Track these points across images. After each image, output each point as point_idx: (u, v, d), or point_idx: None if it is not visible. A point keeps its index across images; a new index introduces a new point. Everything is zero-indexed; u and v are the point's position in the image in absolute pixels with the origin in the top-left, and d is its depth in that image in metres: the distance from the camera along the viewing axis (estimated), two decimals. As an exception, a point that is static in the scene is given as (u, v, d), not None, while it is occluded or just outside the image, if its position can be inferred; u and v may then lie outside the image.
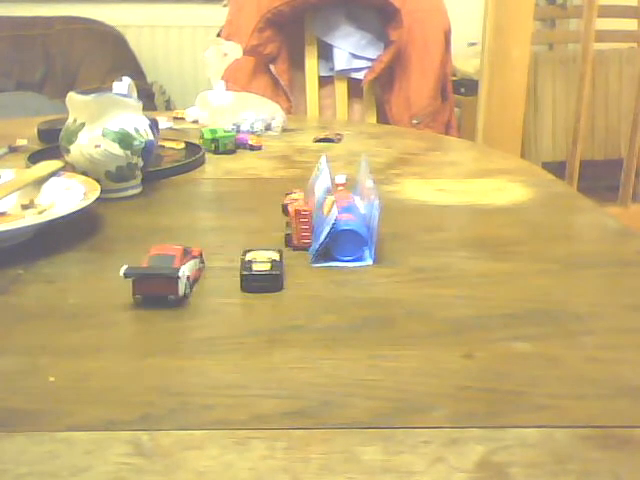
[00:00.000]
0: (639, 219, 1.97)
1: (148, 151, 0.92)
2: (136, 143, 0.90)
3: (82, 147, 0.89)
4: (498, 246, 0.78)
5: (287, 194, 0.85)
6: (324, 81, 1.83)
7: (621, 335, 0.59)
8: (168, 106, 3.01)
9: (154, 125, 0.94)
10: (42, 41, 3.02)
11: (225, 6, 2.09)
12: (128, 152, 0.89)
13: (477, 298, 0.65)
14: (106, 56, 3.01)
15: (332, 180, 0.82)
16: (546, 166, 1.61)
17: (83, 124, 0.89)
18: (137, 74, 2.92)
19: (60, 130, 0.92)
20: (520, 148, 2.00)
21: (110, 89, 0.98)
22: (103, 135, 0.89)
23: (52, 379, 0.51)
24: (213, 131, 1.18)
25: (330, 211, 0.73)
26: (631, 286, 0.68)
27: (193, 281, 0.66)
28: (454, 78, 2.39)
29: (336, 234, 0.71)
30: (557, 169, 1.83)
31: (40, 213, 0.79)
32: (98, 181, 0.85)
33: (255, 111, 1.29)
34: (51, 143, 1.06)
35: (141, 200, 0.93)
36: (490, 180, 1.02)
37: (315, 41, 1.80)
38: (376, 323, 0.60)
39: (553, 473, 0.42)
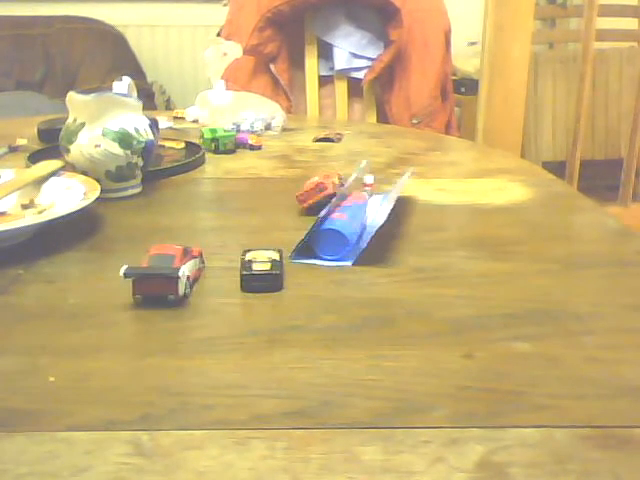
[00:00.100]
0: (639, 219, 1.97)
1: (148, 151, 0.92)
2: (136, 143, 0.90)
3: (82, 147, 0.89)
4: (498, 246, 0.78)
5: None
6: (324, 81, 1.83)
7: (621, 335, 0.59)
8: (168, 106, 3.01)
9: (154, 125, 0.94)
10: (42, 41, 3.02)
11: (225, 5, 2.09)
12: (128, 152, 0.89)
13: (477, 298, 0.65)
14: (106, 56, 3.01)
15: (354, 180, 0.86)
16: (546, 166, 1.61)
17: (83, 124, 0.89)
18: (137, 74, 2.92)
19: (60, 130, 0.92)
20: (520, 148, 2.00)
21: (110, 89, 0.98)
22: (103, 135, 0.89)
23: (52, 379, 0.51)
24: (213, 131, 1.18)
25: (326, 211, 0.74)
26: (631, 286, 0.68)
27: (193, 281, 0.66)
28: (454, 78, 2.39)
29: (319, 232, 0.72)
30: (557, 169, 1.82)
31: (40, 213, 0.79)
32: (98, 181, 0.85)
33: (255, 111, 1.29)
34: (51, 143, 1.06)
35: (141, 200, 0.93)
36: (490, 180, 1.02)
37: (315, 40, 1.80)
38: (376, 323, 0.60)
39: (553, 473, 0.42)
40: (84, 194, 0.80)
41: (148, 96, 2.81)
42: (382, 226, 0.73)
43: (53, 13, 3.06)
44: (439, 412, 0.48)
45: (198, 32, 3.15)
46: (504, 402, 0.49)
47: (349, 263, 0.71)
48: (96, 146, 0.89)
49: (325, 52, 1.81)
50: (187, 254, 0.66)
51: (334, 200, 0.77)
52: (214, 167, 1.10)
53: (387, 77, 1.78)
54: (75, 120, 0.90)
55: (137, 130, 0.90)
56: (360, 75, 1.79)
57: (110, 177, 0.90)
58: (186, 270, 0.63)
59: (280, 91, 1.77)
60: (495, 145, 1.76)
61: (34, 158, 1.01)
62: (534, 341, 0.57)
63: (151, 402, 0.48)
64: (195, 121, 1.36)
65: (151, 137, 0.92)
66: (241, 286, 0.65)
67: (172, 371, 0.53)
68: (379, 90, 1.81)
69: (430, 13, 1.83)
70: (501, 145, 1.80)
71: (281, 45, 1.76)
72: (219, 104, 1.30)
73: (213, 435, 0.45)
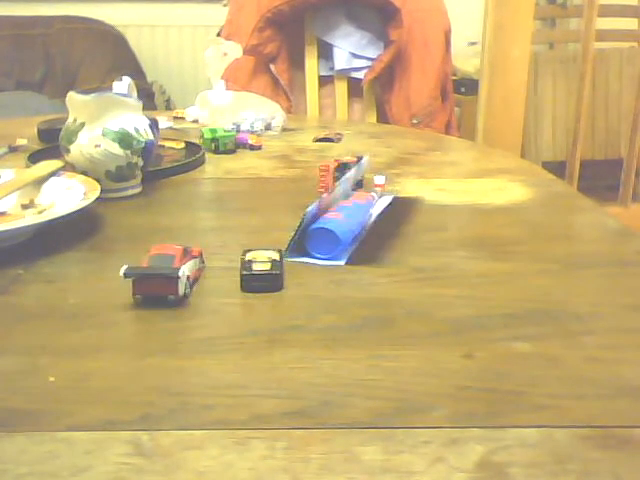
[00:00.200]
0: (639, 219, 1.97)
1: (148, 151, 0.92)
2: (136, 143, 0.90)
3: (82, 147, 0.89)
4: (498, 246, 0.78)
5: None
6: (324, 81, 1.83)
7: (621, 335, 0.59)
8: (168, 106, 3.01)
9: (154, 125, 0.94)
10: (42, 41, 3.02)
11: (225, 6, 2.09)
12: (128, 152, 0.89)
13: (477, 298, 0.65)
14: (106, 56, 3.01)
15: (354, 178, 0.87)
16: (546, 166, 1.61)
17: (83, 124, 0.89)
18: (137, 74, 2.92)
19: (60, 130, 0.92)
20: (520, 148, 2.00)
21: (110, 89, 0.98)
22: (103, 135, 0.89)
23: (52, 379, 0.51)
24: (213, 131, 1.18)
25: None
26: (631, 286, 0.68)
27: (193, 281, 0.66)
28: (454, 78, 2.39)
29: (310, 231, 0.72)
30: (557, 169, 1.83)
31: (40, 213, 0.79)
32: (98, 181, 0.85)
33: (255, 111, 1.29)
34: (51, 143, 1.06)
35: (141, 200, 0.93)
36: (490, 180, 1.02)
37: (315, 41, 1.80)
38: (376, 323, 0.60)
39: (553, 473, 0.42)
40: (84, 194, 0.80)
41: (148, 96, 2.81)
42: (372, 225, 0.73)
43: (53, 13, 3.06)
44: (439, 412, 0.48)
45: (198, 32, 3.15)
46: (504, 402, 0.49)
47: (342, 262, 0.71)
48: (96, 146, 0.89)
49: (325, 52, 1.81)
50: (187, 254, 0.66)
51: (325, 195, 0.77)
52: (214, 167, 1.10)
53: (387, 77, 1.78)
54: (75, 120, 0.90)
55: (137, 130, 0.90)
56: (360, 75, 1.79)
57: (110, 177, 0.90)
58: (186, 270, 0.63)
59: (280, 91, 1.77)
60: (495, 145, 1.76)
61: (34, 158, 1.01)
62: (534, 341, 0.57)
63: (151, 402, 0.48)
64: (195, 121, 1.36)
65: (151, 137, 0.92)
66: (241, 286, 0.65)
67: (172, 371, 0.53)
68: (379, 90, 1.81)
69: (430, 13, 1.83)
70: (501, 145, 1.80)
71: (281, 45, 1.76)
72: (219, 104, 1.30)
73: (213, 435, 0.45)
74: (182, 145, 1.16)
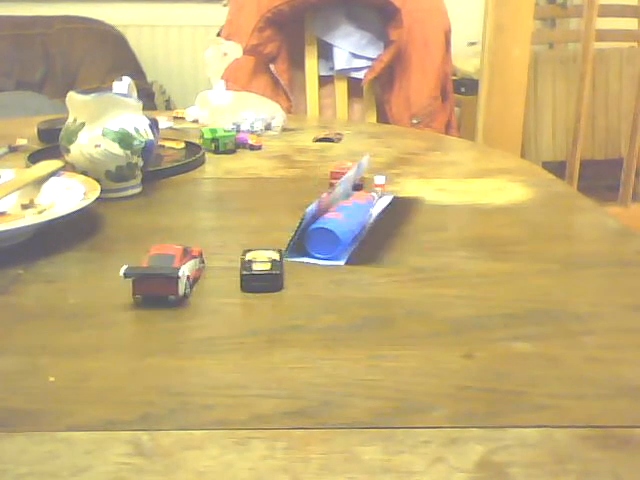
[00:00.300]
0: (639, 219, 1.97)
1: (148, 151, 0.92)
2: (136, 143, 0.90)
3: (82, 147, 0.89)
4: (498, 246, 0.78)
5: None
6: (324, 81, 1.83)
7: (621, 335, 0.59)
8: (168, 106, 3.01)
9: (154, 125, 0.94)
10: (42, 41, 3.02)
11: (225, 6, 2.09)
12: (128, 152, 0.89)
13: (477, 298, 0.65)
14: (106, 56, 3.01)
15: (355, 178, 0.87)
16: (546, 166, 1.61)
17: (83, 124, 0.89)
18: (137, 74, 2.92)
19: (60, 130, 0.92)
20: (520, 148, 2.00)
21: (110, 89, 0.98)
22: (103, 135, 0.89)
23: (52, 379, 0.51)
24: (213, 131, 1.18)
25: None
26: (631, 286, 0.68)
27: (193, 281, 0.66)
28: (454, 78, 2.39)
29: (310, 231, 0.72)
30: (557, 169, 1.83)
31: (40, 213, 0.79)
32: (98, 181, 0.85)
33: (255, 111, 1.29)
34: (51, 143, 1.06)
35: (141, 200, 0.93)
36: (490, 180, 1.02)
37: (315, 41, 1.80)
38: (376, 323, 0.60)
39: (553, 473, 0.42)
40: (84, 194, 0.80)
41: (148, 96, 2.81)
42: (372, 225, 0.73)
43: (53, 13, 3.06)
44: (439, 412, 0.48)
45: (198, 32, 3.15)
46: (504, 402, 0.49)
47: (342, 262, 0.71)
48: (96, 146, 0.89)
49: (325, 52, 1.81)
50: (187, 254, 0.66)
51: (325, 195, 0.77)
52: (214, 167, 1.10)
53: (387, 77, 1.78)
54: (75, 120, 0.90)
55: (137, 130, 0.90)
56: (360, 75, 1.79)
57: (110, 177, 0.90)
58: (186, 270, 0.63)
59: (280, 91, 1.77)
60: (495, 145, 1.76)
61: (34, 158, 1.01)
62: (534, 341, 0.57)
63: (151, 402, 0.48)
64: (195, 121, 1.36)
65: (151, 137, 0.92)
66: (241, 286, 0.65)
67: (172, 371, 0.53)
68: (379, 90, 1.81)
69: (430, 13, 1.83)
70: (501, 145, 1.80)
71: (281, 45, 1.76)
72: (219, 104, 1.30)
73: (213, 435, 0.45)
74: (182, 145, 1.16)
